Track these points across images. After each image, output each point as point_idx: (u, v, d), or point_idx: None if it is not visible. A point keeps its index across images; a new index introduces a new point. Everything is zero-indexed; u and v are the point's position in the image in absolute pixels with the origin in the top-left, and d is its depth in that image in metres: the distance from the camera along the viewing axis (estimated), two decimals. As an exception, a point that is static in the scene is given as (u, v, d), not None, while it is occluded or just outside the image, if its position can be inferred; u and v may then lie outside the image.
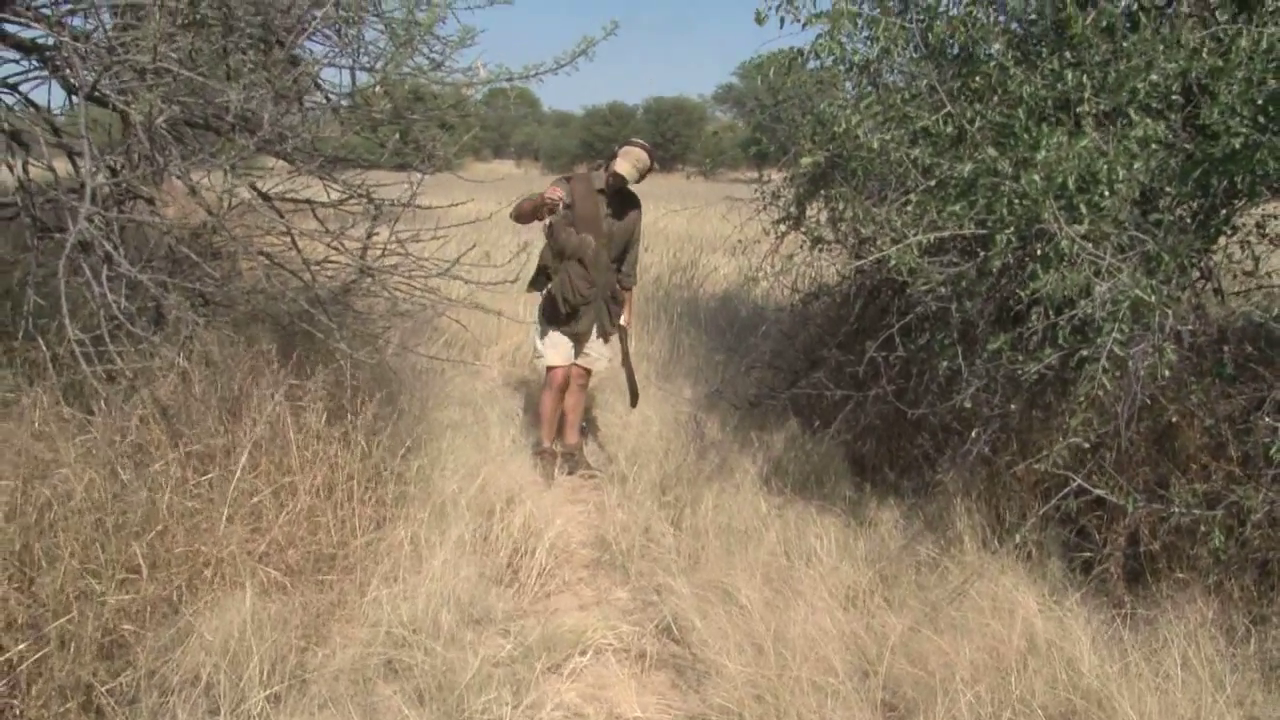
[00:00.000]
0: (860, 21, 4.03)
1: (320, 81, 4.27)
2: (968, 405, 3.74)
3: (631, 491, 4.76)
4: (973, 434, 3.90)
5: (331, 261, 4.38)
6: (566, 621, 3.66)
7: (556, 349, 5.28)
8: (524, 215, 5.09)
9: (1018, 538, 3.61)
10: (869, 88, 4.27)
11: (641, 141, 5.24)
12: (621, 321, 5.47)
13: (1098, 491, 3.38)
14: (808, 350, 5.49)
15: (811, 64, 4.24)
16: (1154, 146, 3.31)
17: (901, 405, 4.22)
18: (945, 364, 3.83)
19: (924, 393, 4.16)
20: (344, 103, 4.27)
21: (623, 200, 5.21)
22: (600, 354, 5.45)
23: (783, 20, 4.10)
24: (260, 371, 3.88)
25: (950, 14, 3.94)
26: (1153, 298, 3.16)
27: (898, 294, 4.32)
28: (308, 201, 4.44)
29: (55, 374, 3.49)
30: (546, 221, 5.08)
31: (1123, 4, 3.45)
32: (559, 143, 57.76)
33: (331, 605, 3.49)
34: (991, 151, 3.52)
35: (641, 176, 5.15)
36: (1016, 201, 3.38)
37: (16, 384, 3.51)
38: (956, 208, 3.57)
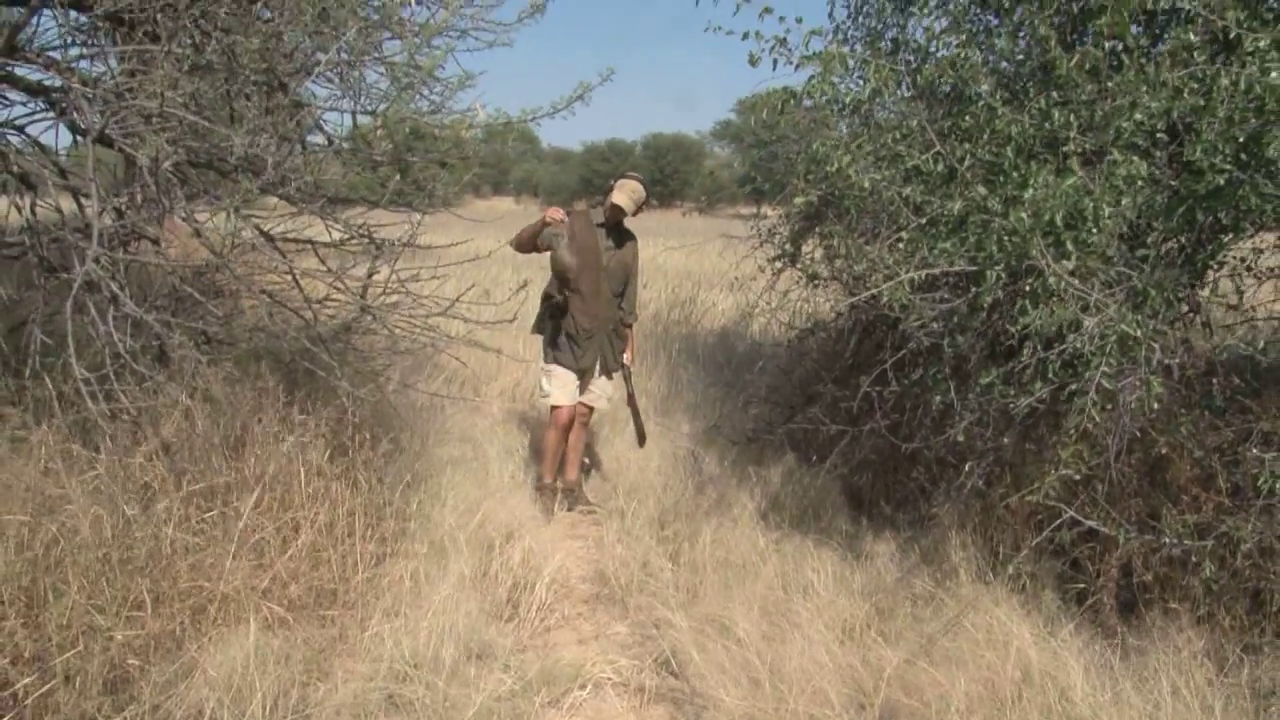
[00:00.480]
0: (852, 63, 4.15)
1: (323, 123, 4.39)
2: (961, 439, 3.80)
3: (630, 526, 4.81)
4: (966, 467, 3.96)
5: (333, 300, 4.46)
6: (566, 656, 3.71)
7: (563, 388, 5.35)
8: (524, 244, 5.21)
9: (1012, 569, 3.68)
10: (861, 127, 4.39)
11: (636, 175, 5.38)
12: (625, 359, 5.55)
13: (1090, 523, 3.46)
14: (804, 385, 5.55)
15: (806, 103, 4.36)
16: (1139, 183, 3.39)
17: (896, 440, 4.28)
18: (938, 398, 3.89)
19: (918, 427, 4.23)
20: (345, 144, 4.40)
21: (620, 234, 5.34)
22: (603, 391, 5.53)
23: (775, 62, 4.19)
24: (263, 409, 3.96)
25: (940, 55, 4.07)
26: (1139, 332, 3.25)
27: (891, 330, 4.39)
28: (310, 241, 4.54)
29: (62, 412, 3.57)
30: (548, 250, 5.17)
31: (1107, 46, 3.54)
32: (558, 179, 58.29)
33: (333, 640, 3.55)
34: (981, 189, 3.63)
35: (638, 208, 5.28)
36: (1006, 238, 3.47)
37: (25, 422, 3.59)
38: (947, 245, 3.66)
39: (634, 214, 5.29)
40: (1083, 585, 3.68)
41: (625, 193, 5.23)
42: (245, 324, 4.15)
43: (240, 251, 4.00)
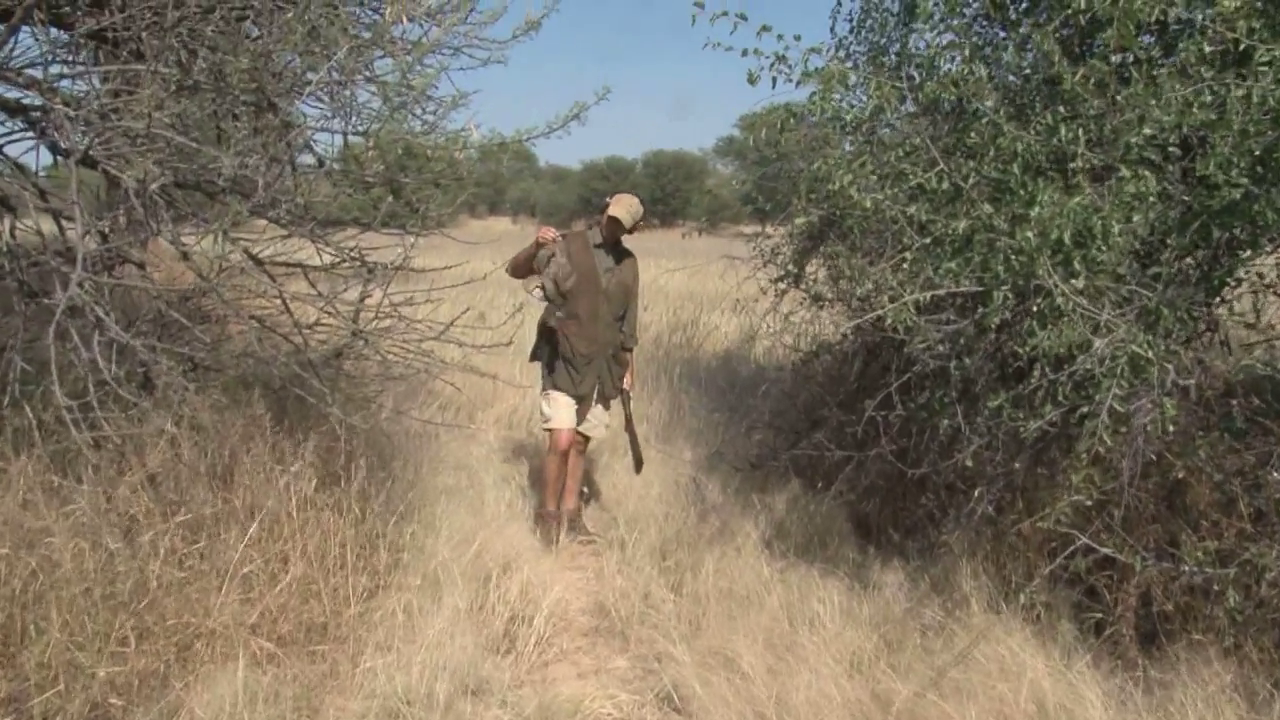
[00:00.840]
0: (854, 79, 4.16)
1: (313, 144, 4.39)
2: (970, 464, 3.77)
3: (631, 556, 4.79)
4: (976, 493, 3.93)
5: (324, 325, 4.44)
6: (564, 691, 3.66)
7: (561, 412, 5.32)
8: (519, 267, 5.20)
9: (1025, 598, 3.63)
10: (864, 145, 4.35)
11: (631, 192, 5.37)
12: (625, 384, 5.52)
13: (1105, 550, 3.41)
14: (809, 410, 5.52)
15: (809, 119, 4.36)
16: (1151, 199, 3.36)
17: (903, 465, 4.25)
18: (946, 422, 3.86)
19: (926, 452, 4.21)
20: (336, 165, 4.39)
21: (619, 254, 5.32)
22: (600, 420, 5.50)
23: (775, 80, 4.19)
24: (252, 437, 3.93)
25: (944, 70, 4.05)
26: (1151, 352, 3.21)
27: (897, 352, 4.36)
28: (300, 265, 4.52)
29: (43, 441, 3.54)
30: (539, 284, 5.14)
31: (1114, 59, 3.53)
32: (555, 198, 57.67)
33: (324, 676, 3.50)
34: (987, 208, 3.60)
35: (635, 223, 5.25)
36: (1012, 258, 3.43)
37: (2, 451, 3.55)
38: (953, 265, 3.63)
39: (631, 230, 5.27)
40: (1100, 615, 3.63)
41: (623, 206, 5.22)
42: (233, 350, 4.12)
43: (228, 275, 3.98)
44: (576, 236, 5.26)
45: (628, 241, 5.38)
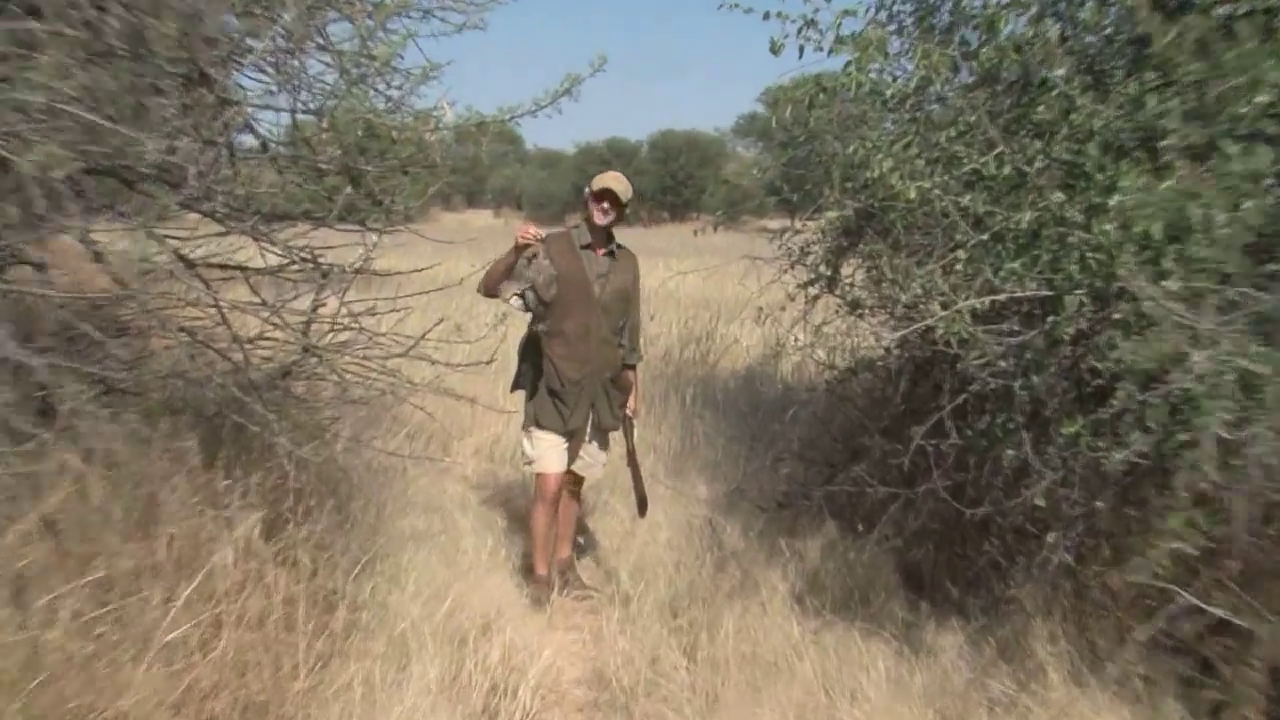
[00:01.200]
0: (896, 45, 4.14)
1: (255, 123, 4.14)
2: (1042, 503, 3.62)
3: (635, 614, 4.61)
4: (1050, 539, 3.74)
5: (268, 339, 4.25)
6: (556, 782, 3.46)
7: (548, 453, 4.96)
8: (494, 278, 4.75)
9: (1116, 669, 3.44)
10: (909, 124, 4.21)
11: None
12: (627, 409, 5.18)
13: (1216, 611, 3.16)
14: (846, 438, 5.39)
15: (842, 95, 4.27)
16: (1267, 181, 3.11)
17: (961, 504, 4.07)
18: (1011, 453, 3.71)
19: (987, 488, 4.06)
20: (283, 149, 4.19)
21: (614, 254, 4.94)
22: (595, 459, 5.18)
23: (802, 48, 4.12)
24: (179, 475, 3.71)
25: (1005, 32, 3.90)
26: (1266, 368, 2.98)
27: (951, 369, 4.18)
28: (239, 267, 4.32)
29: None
30: (518, 291, 4.76)
31: (1218, 12, 3.32)
32: (546, 187, 54.27)
33: (262, 768, 3.27)
34: (1057, 196, 3.47)
35: (629, 198, 4.86)
36: (1089, 256, 3.32)
37: None
38: (1016, 265, 3.53)
39: (626, 206, 4.87)
40: (1216, 692, 3.36)
41: (611, 179, 4.84)
42: (157, 369, 3.93)
43: (152, 280, 3.77)
44: (559, 239, 4.86)
45: (622, 236, 5.03)
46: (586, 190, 4.91)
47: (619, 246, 4.98)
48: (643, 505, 5.23)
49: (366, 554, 4.28)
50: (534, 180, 57.73)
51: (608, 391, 4.98)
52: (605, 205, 4.81)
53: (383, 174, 4.24)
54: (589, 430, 5.03)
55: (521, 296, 4.65)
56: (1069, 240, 3.34)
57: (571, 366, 4.82)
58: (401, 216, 4.38)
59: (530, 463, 5.03)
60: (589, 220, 4.86)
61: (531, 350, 4.94)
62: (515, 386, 5.12)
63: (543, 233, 4.72)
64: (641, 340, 5.41)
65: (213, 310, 3.99)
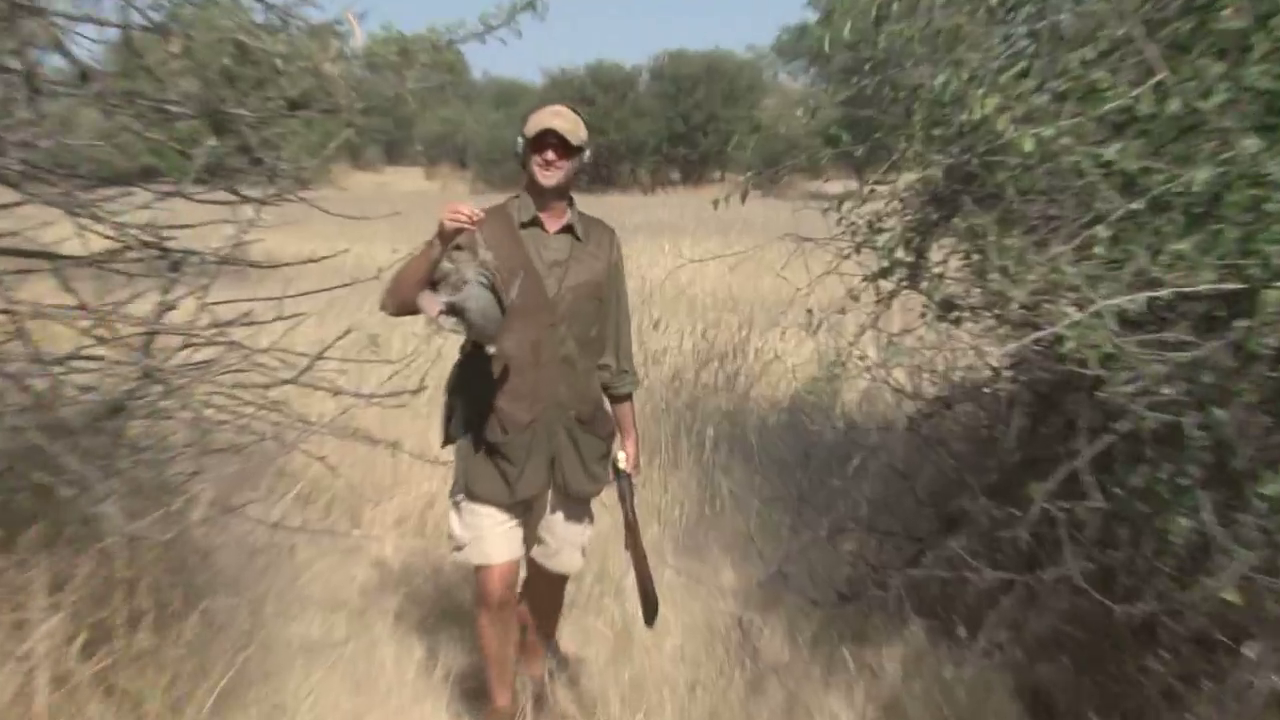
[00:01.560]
0: None
1: (70, 44, 3.66)
2: (1233, 598, 3.20)
3: None
4: (1249, 651, 3.41)
5: (89, 358, 3.80)
6: None
7: (487, 535, 3.95)
8: (406, 284, 3.71)
9: None
10: (1026, 40, 3.82)
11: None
12: (622, 463, 4.19)
13: None
14: (937, 499, 4.86)
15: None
16: None
17: (1109, 598, 3.61)
18: (1184, 521, 3.32)
19: (1149, 575, 3.63)
20: (111, 80, 3.73)
21: (575, 231, 3.97)
22: (564, 541, 4.15)
23: None
24: None
25: None
26: None
27: (1089, 399, 3.77)
28: (44, 254, 3.84)
29: None
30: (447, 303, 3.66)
31: None
32: (501, 134, 39.77)
33: None
34: (1250, 143, 3.11)
35: (582, 140, 3.89)
36: None
37: None
38: (1185, 246, 3.20)
39: (575, 167, 3.94)
40: None
41: (550, 114, 3.86)
42: None
43: None
44: (492, 216, 3.79)
45: (612, 205, 4.10)
46: (519, 140, 3.93)
47: (583, 217, 3.99)
48: (650, 608, 4.27)
49: (233, 676, 3.77)
50: (484, 125, 46.61)
51: (576, 439, 3.96)
52: (549, 155, 3.82)
53: (263, 118, 3.83)
54: (550, 499, 4.02)
55: (459, 312, 3.57)
56: (1267, 208, 3.05)
57: (517, 406, 3.82)
58: (291, 179, 3.94)
59: (460, 548, 4.04)
60: (531, 184, 3.89)
61: (466, 382, 3.93)
62: (447, 439, 4.10)
63: (480, 212, 3.65)
64: (636, 358, 4.52)
65: (2, 317, 3.54)
